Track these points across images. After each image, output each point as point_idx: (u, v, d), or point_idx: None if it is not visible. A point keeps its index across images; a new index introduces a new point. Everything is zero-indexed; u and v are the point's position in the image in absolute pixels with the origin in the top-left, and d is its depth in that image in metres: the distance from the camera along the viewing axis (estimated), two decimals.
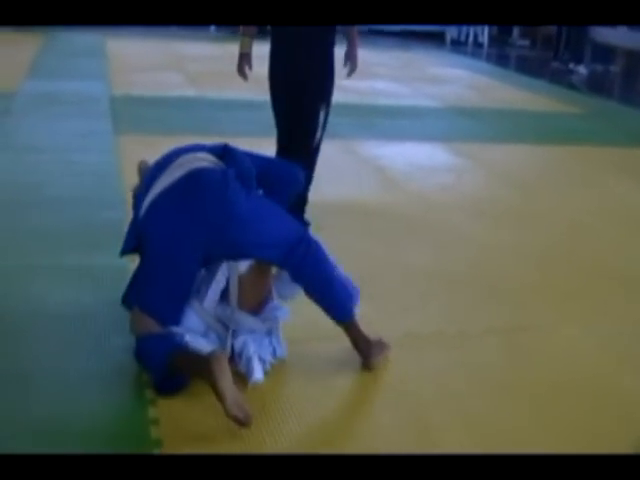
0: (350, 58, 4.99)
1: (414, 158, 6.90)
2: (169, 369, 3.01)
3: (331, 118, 8.10)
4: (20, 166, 5.88)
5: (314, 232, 4.73)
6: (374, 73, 11.69)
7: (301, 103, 4.71)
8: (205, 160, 3.24)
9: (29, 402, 2.98)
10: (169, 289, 3.12)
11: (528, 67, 14.04)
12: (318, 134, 4.83)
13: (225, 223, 3.12)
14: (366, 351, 3.34)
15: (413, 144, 7.47)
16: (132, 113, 7.78)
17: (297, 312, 3.48)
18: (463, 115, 9.14)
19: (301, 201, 4.79)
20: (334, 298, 3.35)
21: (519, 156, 7.39)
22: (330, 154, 6.70)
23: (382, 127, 8.12)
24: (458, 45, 16.45)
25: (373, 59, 13.18)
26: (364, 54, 13.71)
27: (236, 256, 3.22)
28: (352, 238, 4.82)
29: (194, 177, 3.15)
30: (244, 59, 4.82)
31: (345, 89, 10.09)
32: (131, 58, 11.63)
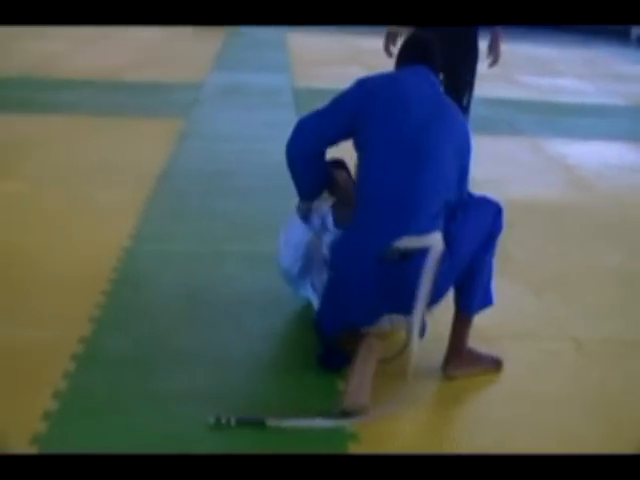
0: (493, 50, 5.01)
1: (603, 157, 6.65)
2: (337, 344, 3.04)
3: (515, 114, 8.06)
4: (210, 154, 6.03)
5: (504, 231, 4.69)
6: (557, 70, 11.42)
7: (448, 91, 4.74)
8: None
9: (215, 382, 3.02)
10: None
11: None
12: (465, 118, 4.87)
13: None
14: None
15: (600, 143, 7.21)
16: (315, 105, 7.81)
17: (491, 308, 3.41)
18: None
19: None
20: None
21: None
22: (516, 151, 6.60)
23: (567, 125, 7.88)
24: None
25: (555, 56, 12.89)
26: (545, 51, 13.46)
27: None
28: (543, 238, 4.69)
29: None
30: (390, 38, 4.81)
31: (527, 86, 9.95)
32: (311, 51, 11.78)
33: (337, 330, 3.03)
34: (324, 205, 3.37)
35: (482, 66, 5.04)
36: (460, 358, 3.15)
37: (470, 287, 3.13)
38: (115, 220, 4.56)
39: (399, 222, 2.89)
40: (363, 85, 3.16)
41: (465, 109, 4.91)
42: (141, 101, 7.73)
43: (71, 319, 3.39)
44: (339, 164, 3.46)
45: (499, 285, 3.92)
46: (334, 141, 3.17)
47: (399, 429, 2.82)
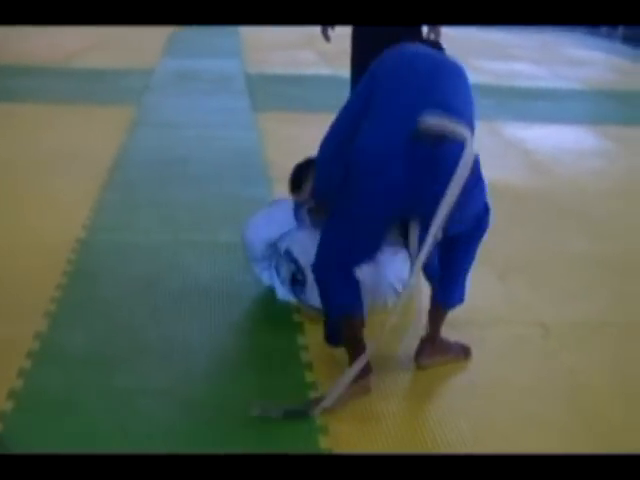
0: (433, 30, 4.84)
1: (561, 141, 6.65)
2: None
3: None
4: (163, 142, 5.91)
5: None
6: (511, 55, 11.44)
7: None
8: None
9: (178, 375, 2.93)
10: None
11: None
12: None
13: None
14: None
15: (557, 127, 7.20)
16: (268, 90, 7.74)
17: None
18: (605, 97, 8.80)
19: None
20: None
21: None
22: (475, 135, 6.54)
23: (524, 109, 7.87)
24: (592, 27, 15.89)
25: (510, 41, 12.92)
26: (500, 36, 13.48)
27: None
28: (506, 223, 4.60)
29: None
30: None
31: (483, 70, 9.92)
32: (263, 37, 11.64)
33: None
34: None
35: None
36: (433, 348, 3.09)
37: (451, 281, 3.06)
38: (68, 210, 4.43)
39: (426, 92, 2.73)
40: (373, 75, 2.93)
41: None
42: (91, 88, 7.57)
43: (25, 314, 3.26)
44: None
45: None
46: None
47: (372, 421, 2.74)
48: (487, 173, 5.32)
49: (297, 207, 3.43)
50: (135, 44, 10.16)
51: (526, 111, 7.76)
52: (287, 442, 2.57)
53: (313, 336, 3.22)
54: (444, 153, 2.64)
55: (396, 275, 3.29)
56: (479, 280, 3.81)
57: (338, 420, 2.69)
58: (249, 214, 3.66)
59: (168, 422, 2.63)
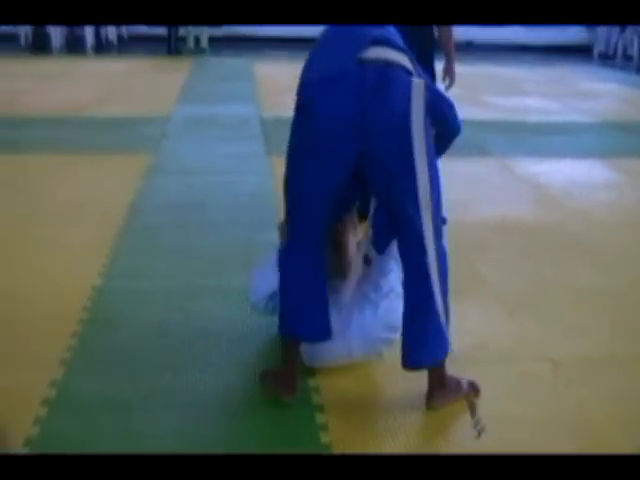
0: (448, 72, 5.15)
1: (572, 175, 6.68)
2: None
3: (483, 135, 8.09)
4: (179, 188, 5.99)
5: (476, 253, 4.70)
6: (522, 90, 11.50)
7: None
8: None
9: (193, 420, 2.99)
10: None
11: None
12: None
13: None
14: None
15: (569, 161, 7.24)
16: (284, 135, 7.79)
17: (465, 331, 3.39)
18: (618, 130, 8.84)
19: None
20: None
21: None
22: (485, 172, 6.62)
23: (535, 144, 7.92)
24: (606, 59, 15.99)
25: (520, 76, 12.99)
26: (512, 71, 13.58)
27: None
28: (514, 257, 4.69)
29: None
30: None
31: (494, 106, 10.01)
32: (279, 81, 11.75)
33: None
34: None
35: (440, 88, 5.06)
36: (443, 389, 3.10)
37: (412, 332, 3.01)
38: (85, 258, 4.51)
39: (364, 31, 2.81)
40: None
41: None
42: (107, 137, 7.68)
43: (41, 362, 3.33)
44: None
45: (473, 307, 3.96)
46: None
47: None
48: (498, 210, 5.51)
49: None
50: (150, 93, 10.31)
51: (538, 146, 7.81)
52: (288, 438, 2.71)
53: (324, 378, 3.27)
54: (392, 76, 2.75)
55: (386, 324, 3.23)
56: (487, 316, 3.89)
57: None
58: (262, 258, 3.73)
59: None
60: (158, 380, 3.26)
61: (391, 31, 2.90)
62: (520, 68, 13.92)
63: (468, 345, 3.54)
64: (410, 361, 3.02)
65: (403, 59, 2.81)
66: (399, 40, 2.88)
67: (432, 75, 4.87)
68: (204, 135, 7.93)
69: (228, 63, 13.17)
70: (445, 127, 3.03)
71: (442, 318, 2.88)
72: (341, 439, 2.88)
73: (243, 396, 3.20)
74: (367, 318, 3.21)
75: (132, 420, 2.97)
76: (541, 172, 6.71)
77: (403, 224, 2.96)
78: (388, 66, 2.76)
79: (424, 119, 2.77)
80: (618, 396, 3.25)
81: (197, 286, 4.19)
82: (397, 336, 3.15)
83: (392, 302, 3.22)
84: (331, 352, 3.23)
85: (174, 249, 4.69)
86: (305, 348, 3.21)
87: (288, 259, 3.07)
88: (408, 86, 2.76)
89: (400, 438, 2.91)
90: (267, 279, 3.37)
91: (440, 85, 4.99)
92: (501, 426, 2.99)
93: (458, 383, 3.16)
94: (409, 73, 2.79)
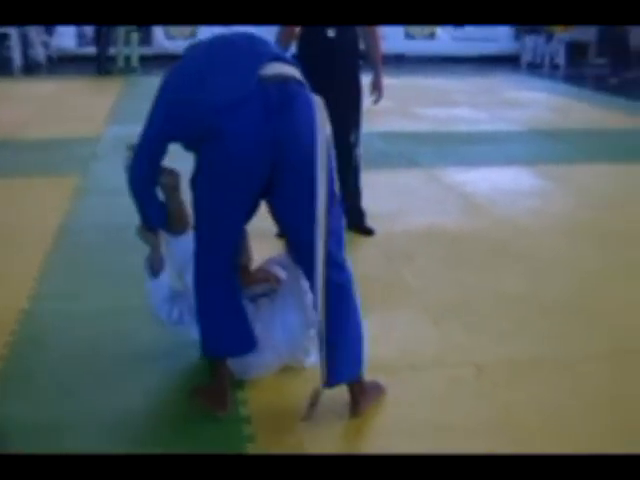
0: (376, 86, 5.20)
1: (498, 183, 6.80)
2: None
3: (412, 147, 8.20)
4: (109, 209, 5.95)
5: (403, 262, 4.77)
6: (452, 100, 11.66)
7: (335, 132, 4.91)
8: None
9: (124, 439, 3.00)
10: None
11: (606, 86, 13.80)
12: (354, 155, 5.07)
13: None
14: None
15: (496, 169, 7.37)
16: None
17: (393, 339, 3.44)
18: (544, 137, 9.01)
19: (358, 213, 5.15)
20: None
21: (607, 176, 7.22)
22: (413, 183, 6.71)
23: (463, 154, 8.04)
24: (534, 68, 16.28)
25: (450, 87, 13.15)
26: (441, 82, 13.75)
27: None
28: (442, 266, 4.77)
29: None
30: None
31: (424, 118, 10.14)
32: None
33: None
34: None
35: (372, 101, 5.15)
36: (365, 395, 3.15)
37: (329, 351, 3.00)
38: (13, 282, 4.47)
39: (257, 48, 2.89)
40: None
41: (354, 145, 5.01)
42: (35, 159, 7.60)
43: None
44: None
45: (400, 316, 4.03)
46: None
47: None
48: (425, 220, 5.59)
49: (153, 266, 3.52)
50: (80, 113, 10.19)
51: (466, 155, 7.92)
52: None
53: (252, 390, 3.30)
54: (293, 92, 2.83)
55: (304, 331, 3.29)
56: (413, 324, 3.96)
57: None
58: None
59: None
60: (88, 399, 3.26)
61: (276, 45, 2.99)
62: (451, 79, 14.11)
63: (395, 353, 3.61)
64: (329, 381, 3.04)
65: (296, 72, 2.89)
66: (286, 53, 2.99)
67: (359, 93, 4.98)
68: None
69: (156, 81, 13.11)
70: None
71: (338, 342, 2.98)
72: (267, 450, 2.91)
73: (173, 411, 3.22)
74: (291, 322, 3.27)
75: (62, 441, 2.97)
76: (468, 181, 6.82)
77: (297, 249, 3.05)
78: (287, 82, 2.82)
79: (327, 136, 2.85)
80: (541, 398, 3.33)
81: (126, 306, 4.18)
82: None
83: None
84: (260, 361, 3.26)
85: (103, 270, 4.68)
86: (233, 361, 3.23)
87: (202, 282, 3.08)
88: (310, 102, 2.84)
89: (326, 445, 2.95)
90: (161, 281, 3.40)
91: (368, 99, 5.10)
92: (426, 432, 3.05)
93: (376, 385, 3.24)
94: (303, 86, 2.88)
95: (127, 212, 5.79)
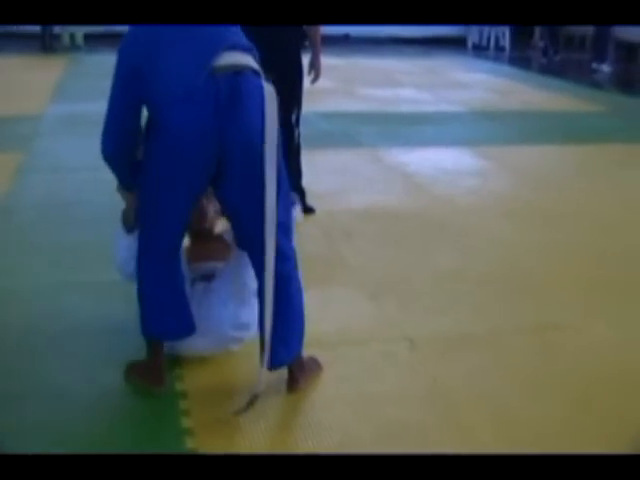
0: (314, 66, 5.28)
1: (440, 163, 6.91)
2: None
3: (355, 127, 8.27)
4: (52, 186, 5.95)
5: (342, 240, 4.85)
6: (397, 81, 11.74)
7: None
8: None
9: (62, 415, 3.04)
10: None
11: (550, 68, 14.01)
12: (296, 134, 5.13)
13: None
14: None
15: (438, 149, 7.48)
16: None
17: (329, 315, 3.52)
18: (487, 119, 9.15)
19: (299, 192, 5.13)
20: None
21: (544, 157, 7.37)
22: (356, 163, 6.79)
23: (407, 134, 8.14)
24: (480, 50, 16.45)
25: (396, 67, 13.25)
26: (386, 63, 13.83)
27: None
28: (381, 244, 4.86)
29: None
30: None
31: (368, 98, 10.22)
32: None
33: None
34: None
35: (321, 81, 5.20)
36: (303, 371, 3.22)
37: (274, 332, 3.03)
38: None
39: (210, 36, 2.83)
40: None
41: (295, 124, 5.07)
42: None
43: None
44: None
45: (337, 292, 4.11)
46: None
47: (237, 439, 2.91)
48: (365, 199, 5.68)
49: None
50: (23, 91, 10.10)
51: (408, 136, 8.02)
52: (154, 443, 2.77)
53: (189, 366, 3.36)
54: (245, 85, 2.80)
55: (232, 322, 3.31)
56: (350, 301, 4.04)
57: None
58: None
59: None
60: (22, 378, 3.28)
61: (235, 30, 2.94)
62: (396, 60, 14.19)
63: (331, 329, 3.69)
64: (272, 364, 3.08)
65: (251, 61, 2.86)
66: (244, 38, 2.95)
67: (300, 73, 5.02)
68: (78, 133, 7.83)
69: (105, 60, 12.94)
70: None
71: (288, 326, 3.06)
72: (202, 424, 2.98)
73: (110, 387, 3.25)
74: (215, 315, 3.29)
75: None
76: (409, 161, 6.92)
77: (247, 242, 3.06)
78: (239, 73, 2.79)
79: (277, 129, 2.85)
80: (471, 372, 3.43)
81: (66, 283, 4.21)
82: (248, 334, 3.31)
83: (244, 299, 3.31)
84: (193, 346, 3.32)
85: (43, 247, 4.69)
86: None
87: (144, 265, 3.10)
88: (261, 94, 2.82)
89: (263, 419, 3.02)
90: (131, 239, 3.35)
91: (306, 78, 5.15)
92: (359, 403, 3.15)
93: (314, 362, 3.32)
94: (257, 75, 2.85)
95: (70, 189, 5.87)
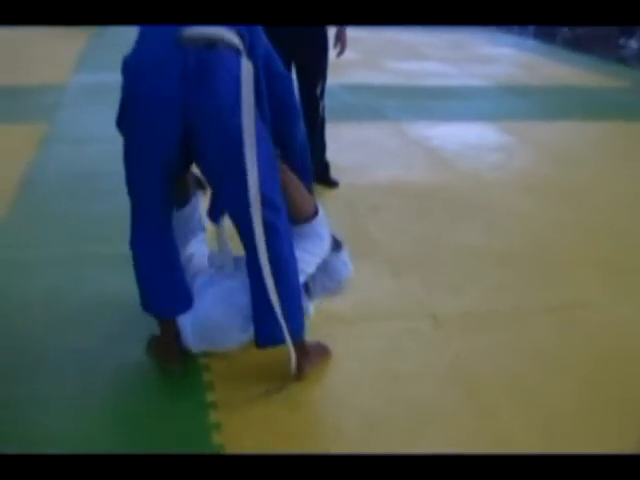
0: (340, 39, 5.22)
1: (464, 138, 6.86)
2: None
3: (380, 100, 8.22)
4: (75, 157, 5.96)
5: (367, 214, 4.82)
6: (422, 54, 11.66)
7: (301, 85, 4.97)
8: None
9: (86, 387, 3.05)
10: None
11: (576, 43, 13.85)
12: (320, 107, 5.13)
13: None
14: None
15: (463, 124, 7.43)
16: None
17: (352, 290, 3.49)
18: (512, 93, 9.07)
19: (322, 165, 5.21)
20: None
21: (569, 133, 7.31)
22: (380, 136, 6.74)
23: (431, 108, 8.08)
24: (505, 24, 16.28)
25: (421, 40, 13.15)
26: (411, 36, 13.70)
27: None
28: (405, 219, 4.83)
29: None
30: None
31: (392, 71, 10.15)
32: None
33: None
34: None
35: (346, 53, 5.17)
36: (307, 357, 3.15)
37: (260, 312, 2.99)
38: None
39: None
40: None
41: (320, 97, 5.05)
42: (1, 107, 7.56)
43: None
44: None
45: (361, 268, 4.08)
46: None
47: (260, 414, 2.90)
48: (390, 173, 5.64)
49: None
50: (47, 60, 10.12)
51: (433, 110, 7.97)
52: (181, 439, 2.72)
53: (215, 356, 3.34)
54: (216, 60, 2.66)
55: (242, 315, 3.11)
56: (373, 276, 4.02)
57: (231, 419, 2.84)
58: None
59: (67, 431, 2.74)
60: (45, 346, 3.29)
61: None
62: (422, 33, 14.09)
63: (353, 304, 3.67)
64: (261, 341, 3.05)
65: (226, 34, 2.68)
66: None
67: (325, 45, 4.97)
68: (102, 104, 7.80)
69: (128, 31, 12.92)
70: (284, 106, 3.01)
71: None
72: (226, 399, 2.99)
73: (134, 359, 3.25)
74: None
75: (16, 386, 3.01)
76: (434, 136, 6.87)
77: (234, 219, 2.95)
78: (211, 47, 2.65)
79: (255, 104, 2.71)
80: (495, 349, 3.41)
81: (88, 254, 4.21)
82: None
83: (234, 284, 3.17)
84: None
85: (65, 218, 4.69)
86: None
87: (137, 242, 3.04)
88: (236, 69, 2.67)
89: (281, 399, 3.01)
90: None
91: (332, 51, 5.11)
92: (381, 380, 3.13)
93: (319, 345, 3.27)
94: (233, 50, 2.69)
95: (93, 160, 5.86)
